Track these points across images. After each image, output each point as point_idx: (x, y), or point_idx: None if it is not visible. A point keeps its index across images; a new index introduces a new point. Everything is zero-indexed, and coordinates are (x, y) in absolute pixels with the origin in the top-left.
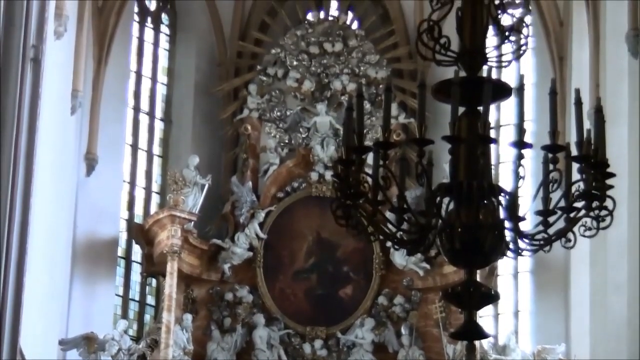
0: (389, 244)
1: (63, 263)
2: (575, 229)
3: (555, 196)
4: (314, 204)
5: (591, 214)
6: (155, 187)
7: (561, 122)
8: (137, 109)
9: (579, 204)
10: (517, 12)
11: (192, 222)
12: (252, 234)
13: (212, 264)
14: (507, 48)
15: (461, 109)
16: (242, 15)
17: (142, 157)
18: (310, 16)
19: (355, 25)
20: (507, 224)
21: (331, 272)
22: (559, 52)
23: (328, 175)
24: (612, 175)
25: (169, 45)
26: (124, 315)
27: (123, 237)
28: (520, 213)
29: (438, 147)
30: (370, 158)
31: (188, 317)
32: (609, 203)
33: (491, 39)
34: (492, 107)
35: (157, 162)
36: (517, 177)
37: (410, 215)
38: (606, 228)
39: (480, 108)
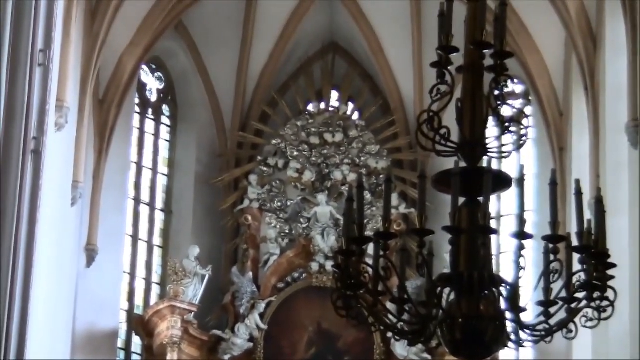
0: (390, 334)
1: (63, 354)
2: (577, 319)
3: (557, 287)
4: (314, 295)
5: (592, 304)
6: (155, 277)
7: (562, 213)
8: (137, 200)
9: (580, 295)
10: (517, 103)
11: (193, 313)
12: (252, 324)
13: (212, 355)
14: (507, 139)
15: (461, 199)
16: (242, 106)
17: (142, 247)
18: (310, 107)
19: (355, 116)
20: (508, 315)
21: None
22: (559, 142)
23: (329, 265)
24: (613, 265)
25: (169, 136)
26: None
27: (123, 328)
28: (522, 304)
29: (438, 238)
30: (370, 248)
31: None
32: (610, 294)
33: (491, 130)
34: (493, 198)
35: (157, 253)
36: (518, 267)
37: (411, 306)
38: (607, 319)
39: (481, 198)
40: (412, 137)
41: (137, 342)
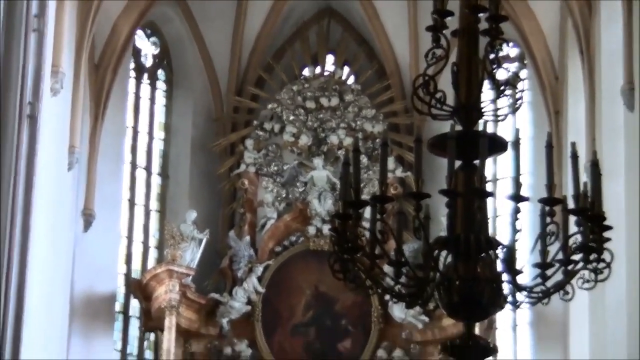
0: (387, 297)
1: (61, 319)
2: (574, 281)
3: (553, 249)
4: (311, 258)
5: (589, 266)
6: (152, 242)
7: (558, 176)
8: (134, 165)
9: (576, 257)
10: (513, 66)
11: (190, 277)
12: (250, 288)
13: (210, 318)
14: (503, 102)
15: (458, 163)
16: (238, 71)
17: (139, 212)
18: (306, 71)
19: (351, 80)
20: (504, 277)
21: (330, 326)
22: (554, 106)
23: (325, 229)
24: (609, 228)
25: (165, 101)
26: None
27: (121, 292)
28: (518, 266)
29: (435, 201)
30: (367, 212)
31: None
32: (606, 256)
33: (487, 93)
34: (489, 161)
35: (154, 217)
36: (514, 230)
37: (408, 269)
38: (604, 280)
39: (477, 162)
40: (408, 101)
41: (135, 305)
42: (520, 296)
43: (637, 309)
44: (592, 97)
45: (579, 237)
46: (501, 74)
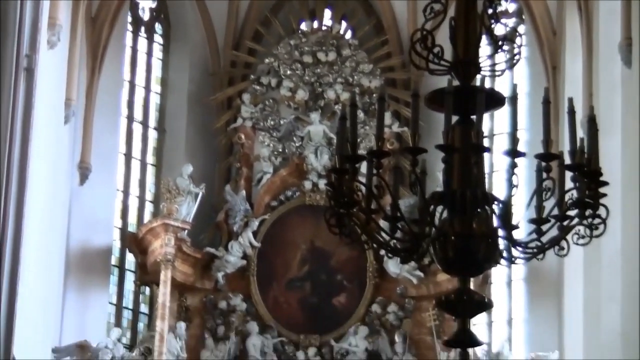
0: (382, 252)
1: (56, 272)
2: (569, 237)
3: (549, 205)
4: (307, 213)
5: (584, 222)
6: (148, 196)
7: (554, 131)
8: (130, 119)
9: (572, 213)
10: (510, 21)
11: (186, 231)
12: (245, 242)
13: (205, 272)
14: (501, 57)
15: (454, 118)
16: (235, 25)
17: (135, 166)
18: (303, 26)
19: (348, 35)
20: (500, 233)
21: (325, 281)
22: (552, 61)
23: (322, 184)
24: (605, 183)
25: (162, 55)
26: (118, 324)
27: (117, 246)
28: (514, 221)
29: (431, 156)
30: (363, 167)
31: (182, 326)
32: (602, 211)
33: (484, 49)
34: (486, 116)
35: (150, 171)
36: (511, 185)
37: (404, 224)
38: (599, 236)
39: (474, 117)
40: (406, 56)
41: (130, 259)
42: (516, 251)
43: (631, 264)
44: (590, 53)
45: (574, 193)
46: (499, 29)
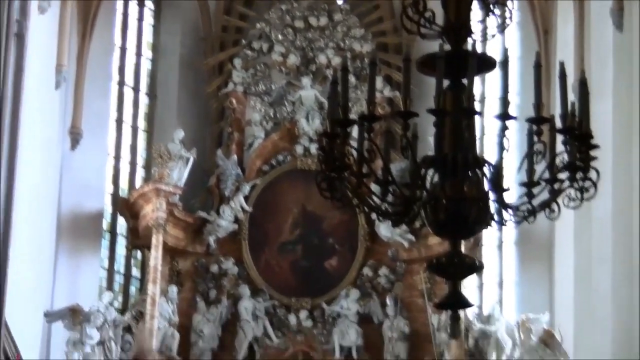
0: (374, 216)
1: (48, 236)
2: (560, 200)
3: (540, 168)
4: (299, 177)
5: (575, 185)
6: (140, 161)
7: (546, 95)
8: (121, 84)
9: (562, 176)
10: None
11: (177, 195)
12: (237, 206)
13: (197, 236)
14: (492, 21)
15: (446, 82)
16: None
17: (126, 131)
18: None
19: (340, 0)
20: (491, 196)
21: (316, 244)
22: (543, 25)
23: (313, 148)
24: (596, 147)
25: (153, 20)
26: (110, 288)
27: (108, 210)
28: (505, 184)
29: (423, 120)
30: (355, 131)
31: (173, 289)
32: (592, 174)
33: (476, 13)
34: (477, 80)
35: (142, 136)
36: (502, 149)
37: (395, 188)
38: (590, 199)
39: (465, 81)
40: (397, 20)
41: (122, 224)
42: (506, 214)
43: (622, 227)
44: (582, 17)
45: (565, 156)
46: None
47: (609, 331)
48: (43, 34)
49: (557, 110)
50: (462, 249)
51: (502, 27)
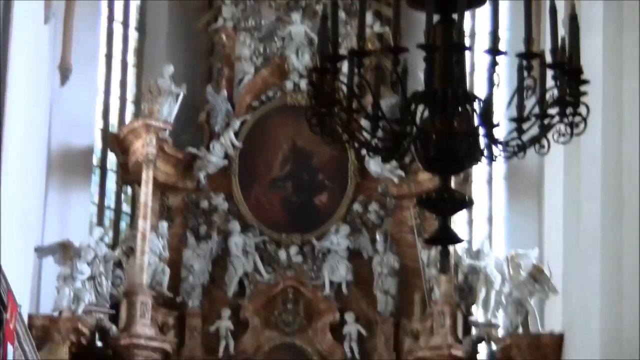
0: (364, 151)
1: (38, 172)
2: (549, 135)
3: (530, 103)
4: (289, 113)
5: (565, 120)
6: (130, 96)
7: (536, 30)
8: (111, 19)
9: (552, 111)
10: None
11: (167, 131)
12: (227, 142)
13: (187, 172)
14: None
15: (436, 17)
16: None
17: (116, 66)
18: None
19: None
20: (481, 131)
21: (306, 180)
22: None
23: (303, 84)
24: (585, 82)
25: None
26: (100, 223)
27: (98, 146)
28: (495, 120)
29: (413, 56)
30: (345, 67)
31: (164, 225)
32: (582, 110)
33: None
34: (467, 15)
35: (131, 72)
36: (492, 84)
37: (385, 123)
38: (579, 134)
39: (455, 16)
40: None
41: (112, 159)
42: (496, 150)
43: (611, 162)
44: None
45: (555, 91)
46: None
47: (597, 266)
48: None
49: (547, 46)
50: (452, 184)
51: None
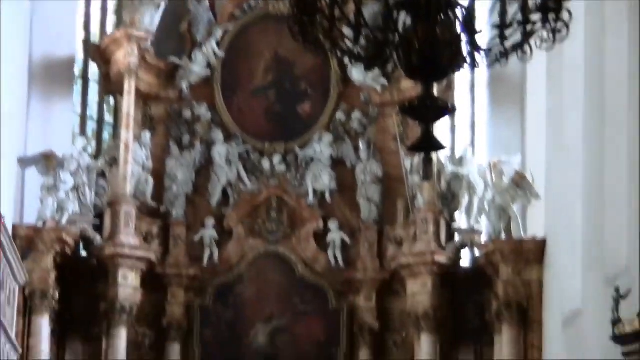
0: (346, 60)
1: (20, 83)
2: (532, 42)
3: (512, 10)
4: (271, 22)
5: (547, 26)
6: (111, 6)
7: None
8: None
9: (535, 17)
10: None
11: (149, 41)
12: (209, 52)
13: (169, 82)
14: None
15: None
16: None
17: None
18: None
19: None
20: (463, 38)
21: (289, 89)
22: None
23: None
24: None
25: None
26: (83, 133)
27: (80, 56)
28: (477, 27)
29: None
30: None
31: (146, 135)
32: (565, 16)
33: None
34: None
35: None
36: None
37: (368, 31)
38: (562, 41)
39: None
40: None
41: (94, 70)
42: (479, 57)
43: (594, 68)
44: None
45: None
46: None
47: (580, 171)
48: None
49: None
50: (435, 91)
51: None
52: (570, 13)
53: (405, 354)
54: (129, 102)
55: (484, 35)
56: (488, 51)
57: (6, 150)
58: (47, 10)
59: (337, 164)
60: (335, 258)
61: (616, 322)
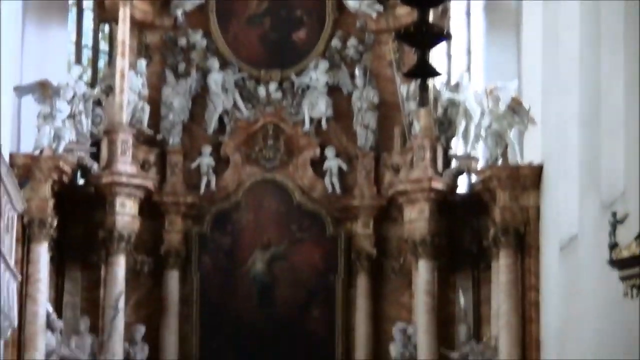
0: None
1: (15, 11)
2: None
3: None
4: None
5: None
6: None
7: None
8: None
9: None
10: None
11: None
12: None
13: (164, 9)
14: None
15: None
16: None
17: None
18: None
19: None
20: None
21: (284, 17)
22: None
23: None
24: None
25: None
26: (78, 62)
27: None
28: None
29: None
30: None
31: (142, 63)
32: None
33: None
34: None
35: None
36: None
37: None
38: None
39: None
40: None
41: None
42: None
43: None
44: None
45: None
46: None
47: (576, 96)
48: None
49: None
50: (430, 18)
51: None
52: None
53: (402, 280)
54: (124, 30)
55: None
56: None
57: (2, 79)
58: None
59: (333, 91)
60: (332, 185)
61: (613, 246)
